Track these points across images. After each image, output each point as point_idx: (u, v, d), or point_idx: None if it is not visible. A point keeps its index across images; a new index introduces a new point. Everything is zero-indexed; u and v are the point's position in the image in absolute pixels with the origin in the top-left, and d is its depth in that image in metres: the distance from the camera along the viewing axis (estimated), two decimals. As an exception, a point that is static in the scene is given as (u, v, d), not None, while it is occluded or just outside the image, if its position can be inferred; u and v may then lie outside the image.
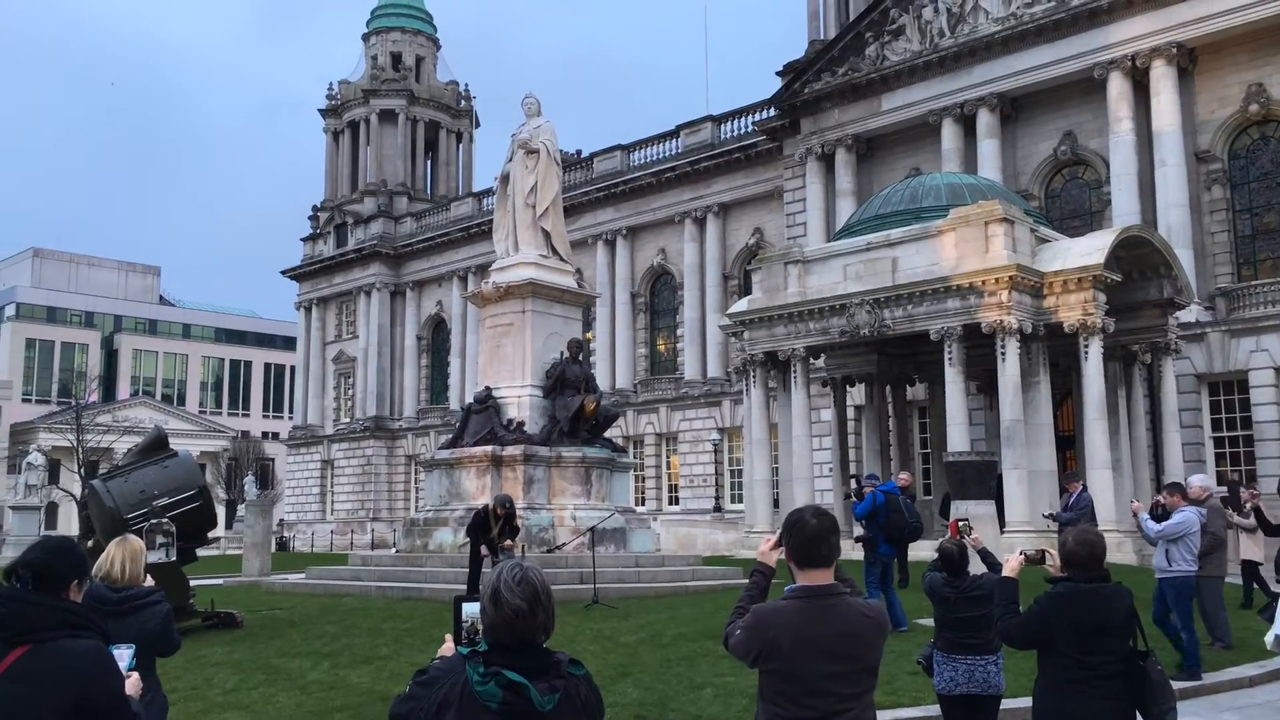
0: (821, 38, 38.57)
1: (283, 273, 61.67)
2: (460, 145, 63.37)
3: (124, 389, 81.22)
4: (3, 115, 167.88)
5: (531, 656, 2.91)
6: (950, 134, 33.00)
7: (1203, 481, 12.36)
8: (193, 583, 14.82)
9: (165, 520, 12.79)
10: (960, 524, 6.68)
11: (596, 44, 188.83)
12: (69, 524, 64.04)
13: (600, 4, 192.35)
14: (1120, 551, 19.96)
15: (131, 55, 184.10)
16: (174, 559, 13.02)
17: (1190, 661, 10.29)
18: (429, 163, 62.53)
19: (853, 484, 15.56)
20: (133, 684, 3.68)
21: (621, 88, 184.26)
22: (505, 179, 21.17)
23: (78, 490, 51.60)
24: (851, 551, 13.96)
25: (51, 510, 69.53)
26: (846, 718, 3.57)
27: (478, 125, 64.30)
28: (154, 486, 13.57)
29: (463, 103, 62.95)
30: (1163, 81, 29.02)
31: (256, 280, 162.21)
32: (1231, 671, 10.69)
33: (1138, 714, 4.87)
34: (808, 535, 3.68)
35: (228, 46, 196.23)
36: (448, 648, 3.09)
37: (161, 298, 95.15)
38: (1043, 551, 5.78)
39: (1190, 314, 26.63)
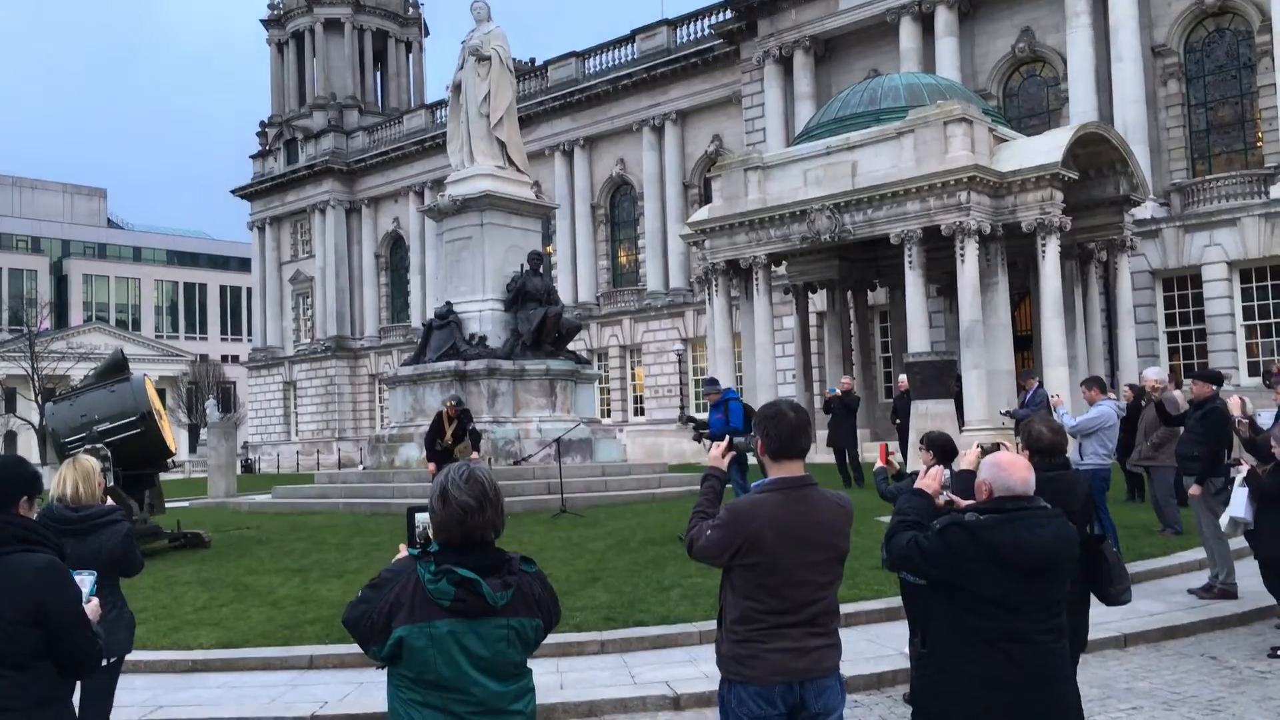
0: (777, -64, 37.65)
1: (233, 192, 60.34)
2: (410, 55, 61.73)
3: (76, 315, 79.81)
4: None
5: (482, 554, 2.91)
6: (908, 33, 32.57)
7: (1158, 374, 12.57)
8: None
9: (101, 446, 12.57)
10: (890, 455, 6.88)
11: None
12: (29, 452, 63.51)
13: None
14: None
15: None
16: (109, 484, 12.86)
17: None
18: (378, 74, 60.91)
19: (710, 389, 12.84)
20: (92, 609, 3.64)
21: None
22: (457, 88, 20.70)
23: (35, 418, 51.04)
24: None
25: (10, 439, 68.85)
26: (820, 606, 3.63)
27: (427, 34, 62.60)
28: (95, 411, 13.38)
29: (411, 10, 61.10)
30: (1120, -26, 28.71)
31: (207, 201, 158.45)
32: (1181, 556, 11.05)
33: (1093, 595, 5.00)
34: (788, 426, 3.68)
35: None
36: (402, 554, 3.08)
37: (109, 220, 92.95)
38: (998, 444, 5.87)
39: (1145, 210, 26.83)
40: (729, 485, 10.19)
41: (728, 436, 4.16)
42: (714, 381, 13.26)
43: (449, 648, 2.81)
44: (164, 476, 16.02)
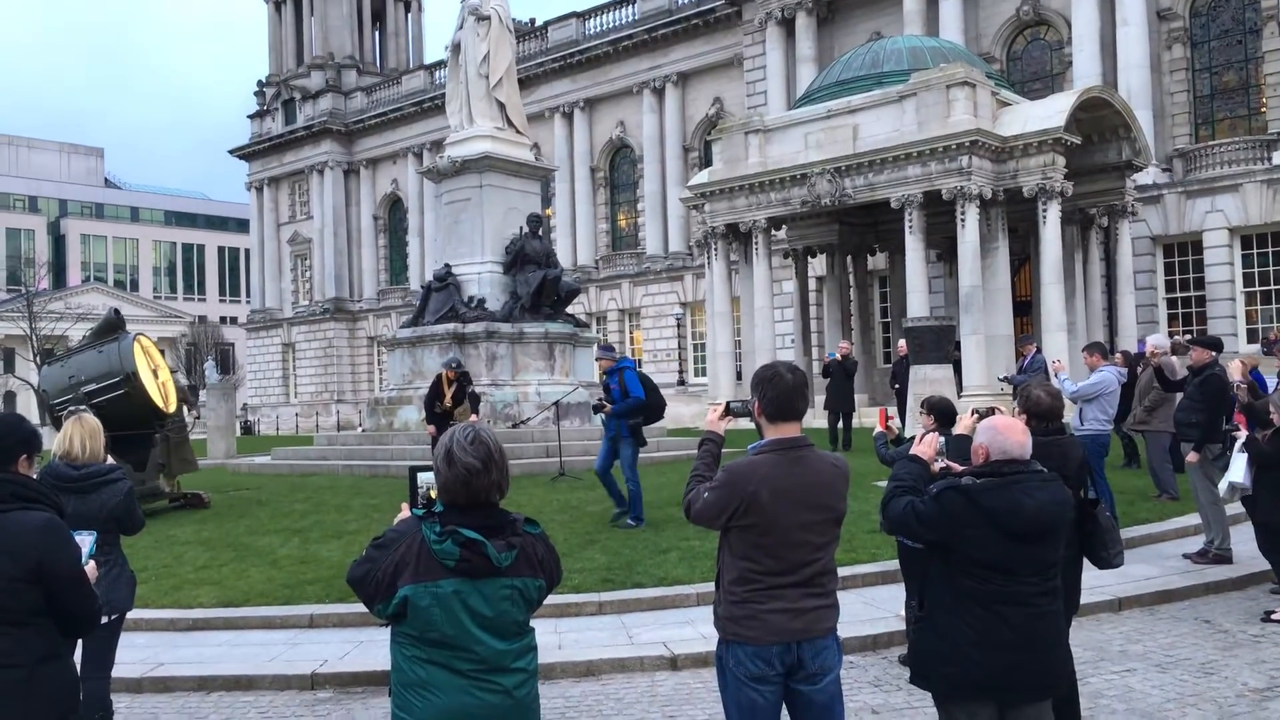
0: (781, -106, 37.14)
1: (231, 152, 59.94)
2: (409, 15, 61.09)
3: (74, 275, 79.51)
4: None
5: (487, 515, 2.94)
6: (912, -5, 32.24)
7: (1158, 341, 12.55)
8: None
9: (84, 407, 12.54)
10: (889, 420, 6.90)
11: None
12: (28, 412, 63.54)
13: None
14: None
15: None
16: None
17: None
18: (377, 34, 60.32)
19: (604, 355, 12.00)
20: (89, 571, 3.65)
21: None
22: (457, 48, 20.52)
23: (34, 378, 51.02)
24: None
25: (9, 399, 68.89)
26: (816, 567, 3.65)
27: (426, -7, 61.92)
28: (82, 372, 13.35)
29: (410, -32, 60.42)
30: (1127, -64, 28.37)
31: (205, 161, 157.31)
32: (1176, 521, 11.10)
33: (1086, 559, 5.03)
34: (786, 388, 3.69)
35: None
36: (404, 514, 3.10)
37: (107, 180, 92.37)
38: (992, 409, 5.89)
39: (1148, 176, 26.70)
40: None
41: (724, 401, 4.17)
42: (610, 349, 12.57)
43: (453, 607, 2.84)
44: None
